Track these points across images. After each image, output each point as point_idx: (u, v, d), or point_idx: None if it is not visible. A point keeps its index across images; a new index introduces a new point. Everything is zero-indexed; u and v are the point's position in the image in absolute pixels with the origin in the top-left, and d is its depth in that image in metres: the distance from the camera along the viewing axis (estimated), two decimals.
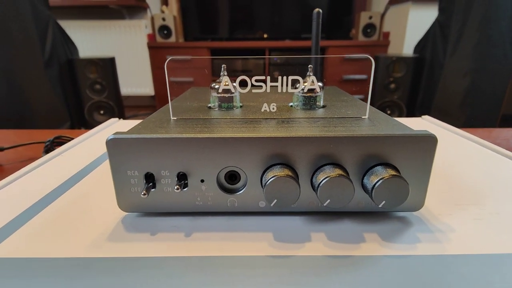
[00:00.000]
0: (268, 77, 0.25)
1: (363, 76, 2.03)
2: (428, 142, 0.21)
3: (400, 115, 1.75)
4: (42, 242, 0.21)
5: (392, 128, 0.22)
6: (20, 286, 0.17)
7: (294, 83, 0.26)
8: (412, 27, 1.99)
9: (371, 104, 0.26)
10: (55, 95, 1.54)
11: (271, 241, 0.21)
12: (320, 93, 0.29)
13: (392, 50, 2.09)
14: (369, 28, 2.05)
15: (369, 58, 0.25)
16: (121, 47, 2.20)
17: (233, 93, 0.29)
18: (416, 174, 0.21)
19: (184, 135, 0.21)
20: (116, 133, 0.21)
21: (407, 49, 2.01)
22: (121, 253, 0.20)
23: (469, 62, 1.42)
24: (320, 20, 0.38)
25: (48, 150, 0.52)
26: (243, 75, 0.25)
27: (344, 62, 2.04)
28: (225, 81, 0.27)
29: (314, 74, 0.29)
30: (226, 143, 0.21)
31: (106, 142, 0.21)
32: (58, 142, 0.53)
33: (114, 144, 0.21)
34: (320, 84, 0.29)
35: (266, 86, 0.25)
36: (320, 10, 0.36)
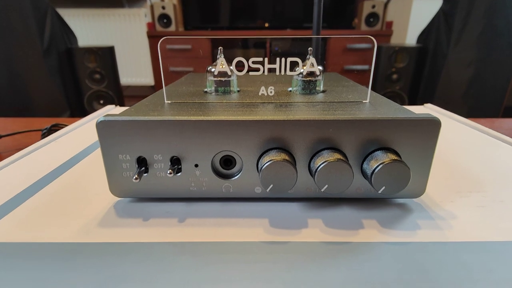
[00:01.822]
0: (266, 59, 0.24)
1: (365, 67, 2.00)
2: (432, 126, 0.20)
3: None
4: (33, 227, 0.20)
5: (393, 112, 0.21)
6: (9, 270, 0.17)
7: (293, 65, 0.25)
8: (415, 17, 1.95)
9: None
10: (54, 84, 1.53)
11: (266, 227, 0.20)
12: (320, 77, 0.28)
13: (395, 40, 2.06)
14: (372, 18, 2.01)
15: (371, 38, 0.24)
16: (121, 36, 2.17)
17: (230, 76, 0.28)
18: (418, 159, 0.21)
19: (177, 118, 0.20)
20: (107, 115, 0.20)
21: (410, 39, 1.98)
22: (111, 238, 0.19)
23: (473, 52, 1.40)
24: (322, 4, 0.37)
25: (45, 138, 0.51)
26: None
27: (345, 52, 2.01)
28: (221, 63, 0.26)
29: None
30: (221, 127, 0.20)
31: (96, 125, 0.20)
32: (55, 130, 0.52)
33: (104, 127, 0.20)
34: (320, 67, 0.28)
35: (264, 68, 0.24)
36: None
